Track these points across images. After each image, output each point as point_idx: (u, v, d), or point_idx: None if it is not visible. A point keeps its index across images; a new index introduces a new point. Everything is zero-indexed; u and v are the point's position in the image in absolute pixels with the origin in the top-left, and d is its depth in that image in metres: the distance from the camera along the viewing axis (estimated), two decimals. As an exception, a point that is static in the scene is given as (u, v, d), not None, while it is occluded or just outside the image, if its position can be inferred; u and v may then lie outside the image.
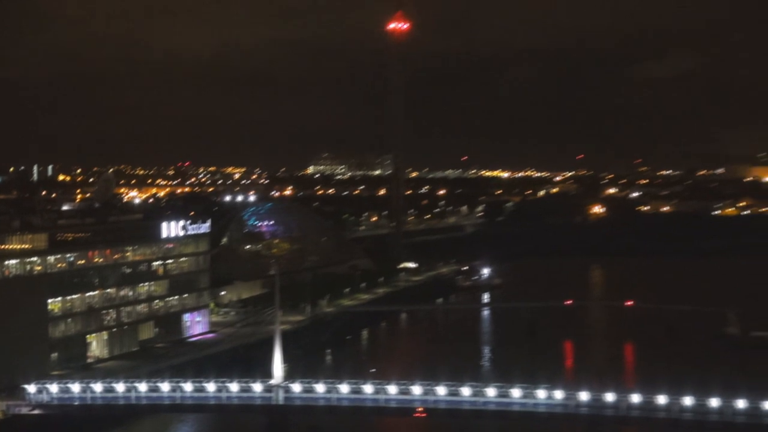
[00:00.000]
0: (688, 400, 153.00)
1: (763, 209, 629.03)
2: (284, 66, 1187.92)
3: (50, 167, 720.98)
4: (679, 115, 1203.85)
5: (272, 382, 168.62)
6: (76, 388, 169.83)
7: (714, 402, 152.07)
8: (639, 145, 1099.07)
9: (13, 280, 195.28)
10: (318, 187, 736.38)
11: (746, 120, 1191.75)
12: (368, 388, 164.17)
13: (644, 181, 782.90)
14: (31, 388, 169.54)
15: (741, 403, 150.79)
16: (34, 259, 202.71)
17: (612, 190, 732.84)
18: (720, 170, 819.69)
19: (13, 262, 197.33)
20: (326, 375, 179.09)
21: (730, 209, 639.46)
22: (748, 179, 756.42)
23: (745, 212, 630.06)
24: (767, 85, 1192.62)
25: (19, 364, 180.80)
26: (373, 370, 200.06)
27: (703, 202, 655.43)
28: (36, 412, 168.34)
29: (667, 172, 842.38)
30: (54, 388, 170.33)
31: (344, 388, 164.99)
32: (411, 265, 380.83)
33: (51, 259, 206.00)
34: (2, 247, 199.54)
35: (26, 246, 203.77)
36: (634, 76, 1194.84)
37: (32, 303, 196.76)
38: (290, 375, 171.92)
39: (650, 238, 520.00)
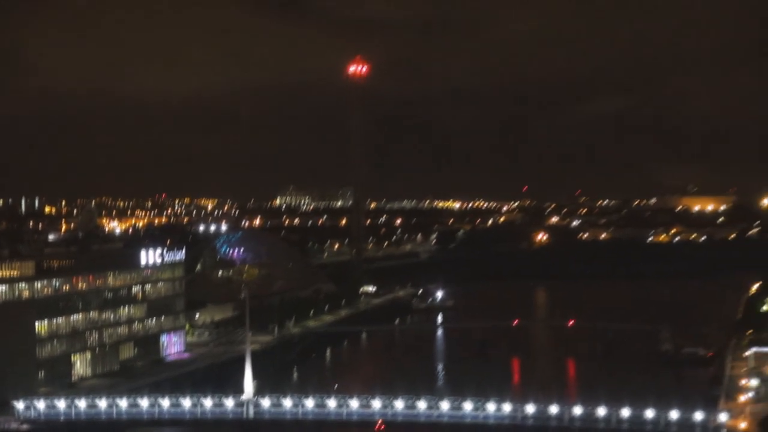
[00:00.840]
0: (625, 412, 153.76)
1: (693, 236, 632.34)
2: (252, 106, 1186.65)
3: (37, 200, 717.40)
4: (616, 150, 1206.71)
5: (243, 397, 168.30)
6: (61, 404, 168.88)
7: (649, 413, 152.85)
8: (579, 177, 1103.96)
9: (3, 305, 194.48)
10: (284, 218, 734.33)
11: (677, 155, 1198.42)
12: (332, 403, 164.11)
13: (584, 211, 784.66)
14: (20, 405, 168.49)
15: (674, 414, 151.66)
16: (22, 284, 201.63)
17: (554, 219, 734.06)
18: (653, 200, 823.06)
19: (2, 287, 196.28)
20: (293, 390, 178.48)
21: (662, 236, 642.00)
22: (679, 209, 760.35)
23: (676, 239, 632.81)
24: (696, 124, 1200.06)
25: (8, 382, 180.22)
26: (336, 385, 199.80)
27: (637, 229, 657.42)
28: (24, 427, 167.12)
29: (605, 202, 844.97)
30: (41, 404, 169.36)
31: (310, 403, 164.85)
32: (370, 288, 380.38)
33: (38, 284, 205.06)
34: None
35: (15, 273, 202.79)
36: (576, 114, 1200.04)
37: (20, 325, 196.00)
38: (260, 391, 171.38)
39: (590, 263, 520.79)
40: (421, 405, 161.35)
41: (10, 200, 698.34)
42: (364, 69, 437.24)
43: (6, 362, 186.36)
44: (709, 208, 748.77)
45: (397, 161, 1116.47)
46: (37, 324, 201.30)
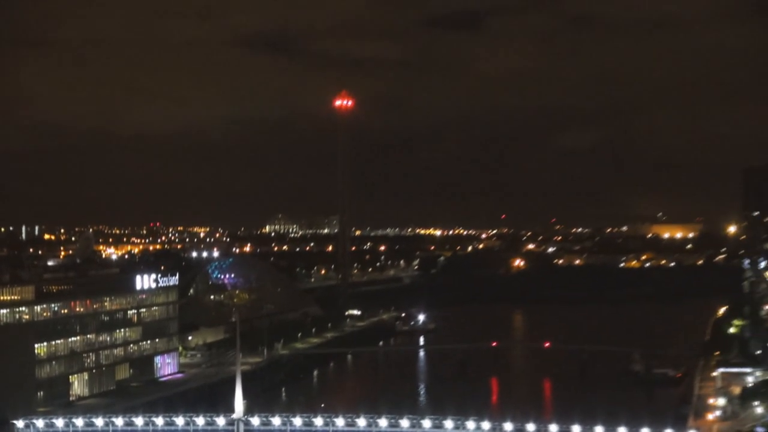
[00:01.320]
0: (599, 429, 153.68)
1: (662, 262, 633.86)
2: (243, 138, 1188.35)
3: (37, 228, 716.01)
4: (589, 180, 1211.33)
5: (234, 416, 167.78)
6: (60, 423, 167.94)
7: (622, 430, 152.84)
8: (554, 206, 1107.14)
9: (4, 328, 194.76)
10: (273, 244, 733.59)
11: (647, 185, 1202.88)
12: (318, 421, 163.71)
13: (559, 238, 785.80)
14: (20, 424, 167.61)
15: (645, 431, 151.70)
16: (23, 308, 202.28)
17: (531, 246, 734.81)
18: (624, 228, 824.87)
19: (3, 311, 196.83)
20: (282, 409, 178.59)
21: (633, 262, 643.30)
22: (649, 236, 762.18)
23: (647, 264, 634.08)
24: (665, 156, 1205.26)
25: (8, 401, 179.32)
26: (323, 404, 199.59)
27: (610, 256, 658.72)
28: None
29: (579, 229, 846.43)
30: (40, 423, 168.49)
31: (297, 421, 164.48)
32: (356, 312, 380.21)
33: (37, 308, 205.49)
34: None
35: (15, 297, 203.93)
36: (551, 146, 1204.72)
37: (21, 347, 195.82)
38: (250, 410, 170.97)
39: (565, 287, 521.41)
40: (404, 423, 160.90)
41: (11, 228, 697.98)
42: (350, 103, 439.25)
43: (6, 383, 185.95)
44: (678, 235, 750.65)
45: (381, 191, 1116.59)
46: (36, 346, 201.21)
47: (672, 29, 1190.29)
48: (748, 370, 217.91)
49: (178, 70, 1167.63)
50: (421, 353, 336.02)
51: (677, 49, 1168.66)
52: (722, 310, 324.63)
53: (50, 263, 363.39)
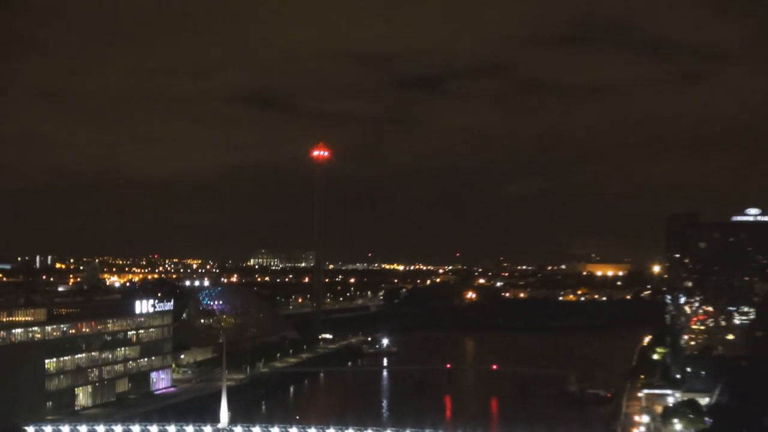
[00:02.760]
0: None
1: (596, 296, 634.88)
2: (232, 181, 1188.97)
3: (49, 258, 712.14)
4: (534, 224, 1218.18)
5: (219, 425, 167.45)
6: (66, 430, 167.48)
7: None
8: (502, 246, 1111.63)
9: (18, 345, 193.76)
10: (257, 275, 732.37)
11: (583, 228, 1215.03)
12: (293, 430, 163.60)
13: (506, 274, 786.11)
14: (30, 430, 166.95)
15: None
16: (35, 328, 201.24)
17: (482, 281, 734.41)
18: (563, 266, 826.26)
19: (18, 330, 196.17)
20: (262, 420, 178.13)
21: (570, 296, 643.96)
22: (584, 273, 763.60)
23: (582, 298, 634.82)
24: (599, 204, 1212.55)
25: (20, 410, 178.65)
26: (298, 416, 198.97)
27: (550, 290, 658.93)
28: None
29: (523, 267, 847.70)
30: (48, 429, 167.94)
31: (275, 430, 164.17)
32: (328, 336, 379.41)
33: (48, 328, 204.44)
34: (10, 319, 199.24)
35: (29, 318, 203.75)
36: (501, 193, 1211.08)
37: (32, 363, 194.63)
38: (234, 420, 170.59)
39: (510, 317, 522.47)
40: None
41: (26, 258, 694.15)
42: (326, 153, 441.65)
43: (19, 393, 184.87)
44: (609, 273, 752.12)
45: (352, 230, 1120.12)
46: (46, 361, 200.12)
47: (607, 94, 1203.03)
48: (669, 391, 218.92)
49: (176, 121, 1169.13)
50: (385, 373, 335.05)
51: (611, 110, 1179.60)
52: (647, 339, 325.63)
53: (60, 289, 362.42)
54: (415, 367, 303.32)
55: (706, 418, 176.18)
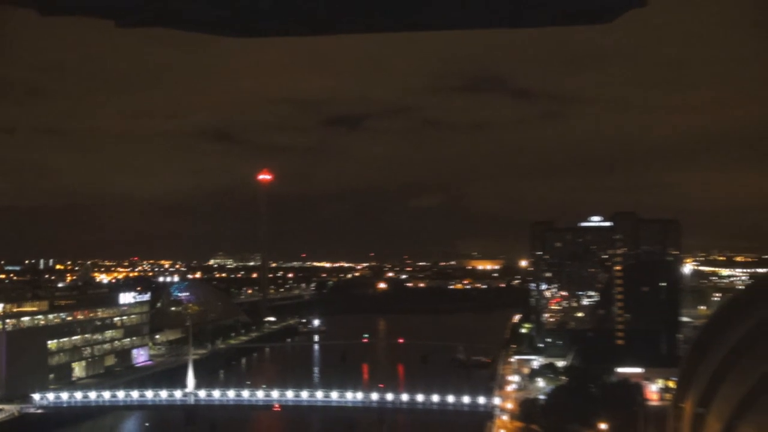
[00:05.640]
0: (435, 398, 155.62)
1: (478, 285, 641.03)
2: (197, 198, 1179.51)
3: (51, 260, 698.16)
4: (431, 229, 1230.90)
5: (187, 390, 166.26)
6: (65, 396, 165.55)
7: (450, 398, 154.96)
8: (407, 246, 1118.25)
9: (26, 330, 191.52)
10: (216, 273, 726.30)
11: (469, 232, 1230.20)
12: (245, 393, 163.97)
13: (409, 269, 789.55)
14: (36, 396, 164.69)
15: (466, 399, 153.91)
16: (40, 316, 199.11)
17: (390, 274, 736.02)
18: (453, 262, 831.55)
19: (26, 318, 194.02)
20: (220, 385, 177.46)
21: (458, 285, 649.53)
22: (469, 267, 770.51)
23: (468, 287, 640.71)
24: (482, 213, 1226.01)
25: (28, 382, 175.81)
26: (249, 382, 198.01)
27: (443, 281, 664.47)
28: (39, 411, 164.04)
29: (423, 263, 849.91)
30: (51, 396, 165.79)
31: (231, 393, 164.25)
32: (272, 318, 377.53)
33: (50, 316, 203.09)
34: (19, 309, 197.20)
35: (35, 308, 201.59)
36: (406, 205, 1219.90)
37: (37, 343, 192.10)
38: (198, 386, 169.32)
39: (413, 302, 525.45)
40: (304, 394, 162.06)
41: (33, 261, 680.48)
42: (269, 177, 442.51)
43: (27, 368, 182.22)
44: (488, 267, 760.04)
45: (290, 235, 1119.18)
46: (49, 342, 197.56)
47: (490, 129, 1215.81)
48: (534, 357, 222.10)
49: (153, 152, 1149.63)
50: (316, 347, 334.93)
51: (492, 141, 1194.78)
52: (517, 317, 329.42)
53: (60, 285, 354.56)
54: (339, 342, 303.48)
55: (562, 377, 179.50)
